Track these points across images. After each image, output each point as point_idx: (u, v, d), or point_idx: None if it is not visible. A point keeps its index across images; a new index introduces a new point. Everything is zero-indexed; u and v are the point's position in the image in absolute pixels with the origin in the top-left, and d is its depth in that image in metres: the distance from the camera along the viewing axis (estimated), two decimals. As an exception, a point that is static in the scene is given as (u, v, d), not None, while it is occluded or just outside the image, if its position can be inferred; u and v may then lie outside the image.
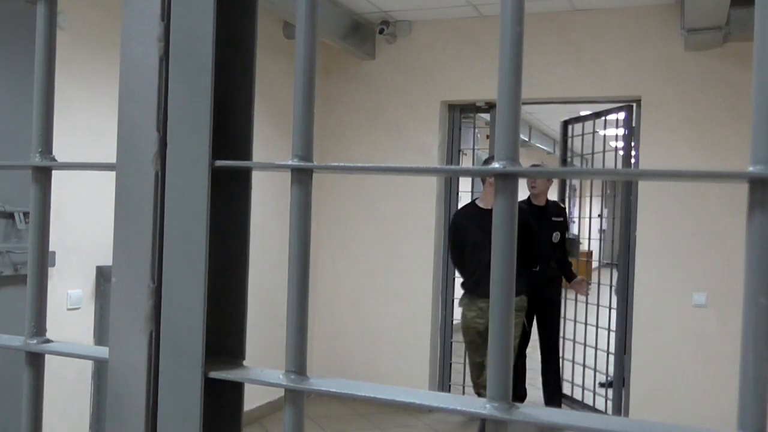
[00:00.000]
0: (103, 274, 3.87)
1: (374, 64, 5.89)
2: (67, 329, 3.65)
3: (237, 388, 0.67)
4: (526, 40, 0.55)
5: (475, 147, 6.38)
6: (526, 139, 10.54)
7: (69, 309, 3.73)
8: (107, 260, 3.83)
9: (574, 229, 6.23)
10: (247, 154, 0.68)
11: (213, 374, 0.63)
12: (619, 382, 5.35)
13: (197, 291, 0.64)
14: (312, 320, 5.77)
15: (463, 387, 5.68)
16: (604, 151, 5.79)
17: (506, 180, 0.55)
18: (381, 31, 5.64)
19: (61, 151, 0.83)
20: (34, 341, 0.73)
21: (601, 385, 5.72)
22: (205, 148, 0.64)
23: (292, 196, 0.62)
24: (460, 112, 5.84)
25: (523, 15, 0.55)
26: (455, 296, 5.85)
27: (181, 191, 0.65)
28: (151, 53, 0.66)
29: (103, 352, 0.68)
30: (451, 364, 5.82)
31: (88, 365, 3.79)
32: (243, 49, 0.68)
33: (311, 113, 0.62)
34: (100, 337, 3.85)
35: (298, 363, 0.61)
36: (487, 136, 6.82)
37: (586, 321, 5.67)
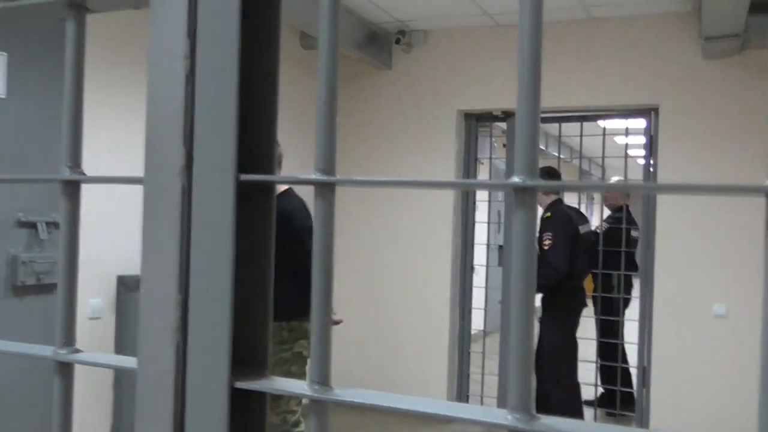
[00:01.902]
0: (123, 284, 3.90)
1: (391, 74, 5.91)
2: (88, 338, 3.68)
3: (261, 397, 0.68)
4: (543, 49, 0.56)
5: (492, 156, 6.37)
6: (543, 148, 10.50)
7: (90, 318, 3.76)
8: (128, 270, 3.86)
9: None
10: (270, 168, 0.69)
11: (239, 384, 0.64)
12: (640, 392, 5.31)
13: (223, 302, 0.65)
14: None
15: (482, 398, 5.66)
16: (603, 156, 5.68)
17: (525, 194, 0.55)
18: (397, 41, 5.67)
19: (86, 163, 0.85)
20: (64, 351, 0.75)
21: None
22: (231, 162, 0.65)
23: (315, 210, 0.63)
24: (476, 121, 5.85)
25: (542, 25, 0.55)
26: (473, 306, 5.84)
27: (207, 204, 0.66)
28: (177, 70, 0.68)
29: (131, 362, 0.70)
30: (469, 374, 5.80)
31: (109, 375, 3.82)
32: (266, 63, 0.70)
33: (334, 127, 0.63)
34: (121, 347, 3.88)
35: (322, 373, 0.62)
36: (504, 145, 6.80)
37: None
